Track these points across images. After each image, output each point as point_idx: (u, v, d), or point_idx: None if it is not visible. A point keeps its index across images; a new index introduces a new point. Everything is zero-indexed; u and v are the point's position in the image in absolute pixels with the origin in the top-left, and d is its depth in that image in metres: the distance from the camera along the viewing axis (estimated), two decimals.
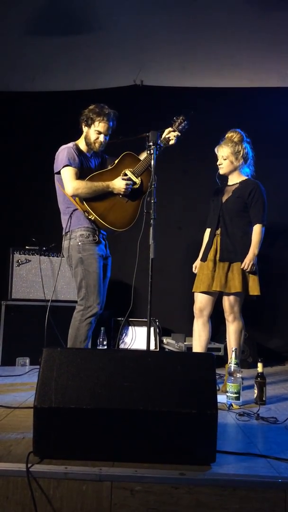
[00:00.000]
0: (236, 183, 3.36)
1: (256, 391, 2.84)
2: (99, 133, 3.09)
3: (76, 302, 3.09)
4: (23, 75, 4.88)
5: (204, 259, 3.36)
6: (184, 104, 4.71)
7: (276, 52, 4.44)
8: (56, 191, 3.17)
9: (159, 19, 4.11)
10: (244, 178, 3.37)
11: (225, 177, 3.43)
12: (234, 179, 3.38)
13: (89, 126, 3.10)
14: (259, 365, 2.85)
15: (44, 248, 4.12)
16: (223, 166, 3.34)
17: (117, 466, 1.74)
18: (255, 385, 2.85)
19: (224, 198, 3.36)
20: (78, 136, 3.18)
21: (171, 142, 3.18)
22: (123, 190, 3.07)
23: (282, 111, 4.94)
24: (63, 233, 3.14)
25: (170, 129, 3.20)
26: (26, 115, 5.01)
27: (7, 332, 3.89)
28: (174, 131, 3.18)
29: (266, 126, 4.86)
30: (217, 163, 3.37)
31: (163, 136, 3.17)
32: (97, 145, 3.11)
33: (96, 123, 3.07)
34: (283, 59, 4.55)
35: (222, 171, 3.37)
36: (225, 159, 3.32)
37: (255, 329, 4.45)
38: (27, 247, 4.12)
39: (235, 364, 2.86)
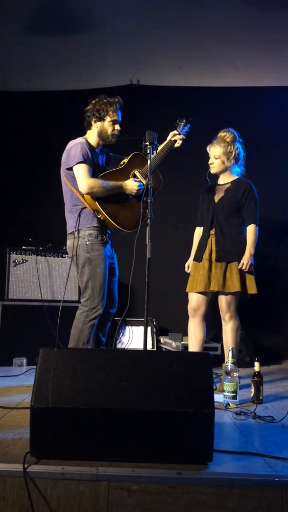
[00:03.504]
0: (228, 183, 3.36)
1: (253, 390, 2.85)
2: (115, 122, 3.04)
3: (72, 301, 3.06)
4: (19, 74, 4.87)
5: (199, 259, 3.35)
6: (180, 104, 4.74)
7: (272, 52, 4.45)
8: (63, 187, 3.09)
9: (155, 19, 4.11)
10: (235, 177, 3.38)
11: (215, 176, 3.44)
12: (225, 179, 3.39)
13: (102, 119, 3.03)
14: (256, 364, 2.86)
15: (40, 248, 4.12)
16: (214, 166, 3.35)
17: (114, 466, 1.73)
18: (252, 384, 2.85)
19: (217, 198, 3.36)
20: (74, 135, 3.11)
21: (177, 144, 3.19)
22: (135, 191, 3.04)
23: (278, 110, 4.95)
24: (69, 231, 3.07)
25: (175, 132, 3.20)
26: (23, 114, 5.01)
27: (4, 332, 3.89)
28: (179, 134, 3.19)
29: (262, 126, 4.87)
30: (209, 162, 3.37)
31: (168, 138, 3.18)
32: (114, 136, 3.07)
33: (111, 113, 3.02)
34: (279, 58, 4.55)
35: (213, 170, 3.37)
36: (216, 159, 3.33)
37: (252, 328, 4.45)
38: (23, 247, 4.11)
39: (232, 363, 2.86)
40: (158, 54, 4.57)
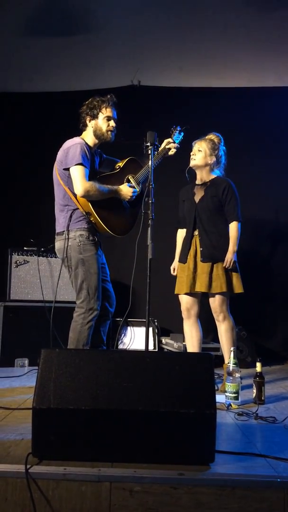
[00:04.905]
0: (207, 182, 3.37)
1: (255, 390, 2.85)
2: (109, 119, 3.03)
3: (73, 302, 3.04)
4: (21, 75, 4.88)
5: (183, 260, 3.37)
6: (181, 104, 4.74)
7: (273, 52, 4.45)
8: (55, 185, 3.05)
9: (156, 19, 4.12)
10: (214, 176, 3.38)
11: (194, 175, 3.44)
12: (204, 177, 3.39)
13: (96, 116, 3.03)
14: (258, 364, 2.86)
15: (42, 249, 4.12)
16: (196, 158, 3.35)
17: (116, 467, 1.73)
18: (254, 384, 2.85)
19: (197, 198, 3.37)
20: (75, 136, 3.09)
21: (171, 153, 3.23)
22: (129, 197, 3.05)
23: (279, 111, 4.95)
24: (58, 231, 3.02)
25: (169, 140, 3.23)
26: (24, 115, 5.01)
27: (5, 333, 3.89)
28: (173, 142, 3.22)
29: (264, 126, 4.87)
30: (191, 153, 3.38)
31: (162, 146, 3.19)
32: (110, 133, 3.04)
33: (103, 109, 3.02)
34: (280, 58, 4.55)
35: (193, 162, 3.36)
36: (200, 151, 3.34)
37: (253, 328, 4.45)
38: (25, 248, 4.12)
39: (234, 363, 2.86)
40: (159, 55, 4.57)
